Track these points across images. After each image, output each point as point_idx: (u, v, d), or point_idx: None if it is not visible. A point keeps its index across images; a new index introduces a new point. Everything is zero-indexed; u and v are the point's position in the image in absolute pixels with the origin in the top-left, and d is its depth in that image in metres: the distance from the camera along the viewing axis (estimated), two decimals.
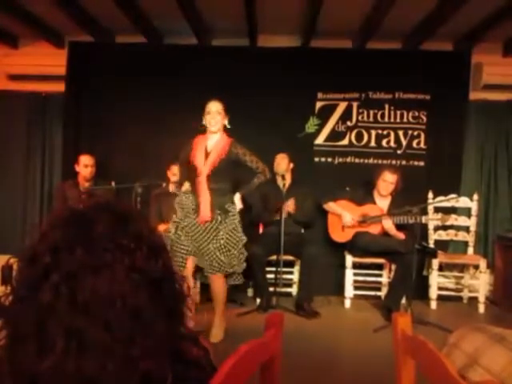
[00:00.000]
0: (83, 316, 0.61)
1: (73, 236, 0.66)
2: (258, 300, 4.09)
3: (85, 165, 4.38)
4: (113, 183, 4.54)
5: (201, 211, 3.18)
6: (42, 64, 4.77)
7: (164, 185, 4.39)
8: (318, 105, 4.78)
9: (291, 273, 4.40)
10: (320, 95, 4.78)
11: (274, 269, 4.17)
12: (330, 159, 4.78)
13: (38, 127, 4.99)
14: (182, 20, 4.26)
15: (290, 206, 4.15)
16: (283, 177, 4.16)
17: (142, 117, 4.75)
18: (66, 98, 4.83)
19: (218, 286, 3.22)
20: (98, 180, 4.47)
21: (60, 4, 3.94)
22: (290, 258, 4.23)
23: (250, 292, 4.43)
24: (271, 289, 4.04)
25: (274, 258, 4.11)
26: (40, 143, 5.00)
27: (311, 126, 4.79)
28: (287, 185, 4.20)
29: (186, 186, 3.31)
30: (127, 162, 4.74)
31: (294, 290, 4.41)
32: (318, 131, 4.78)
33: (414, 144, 4.76)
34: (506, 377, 0.81)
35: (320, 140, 4.77)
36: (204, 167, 3.20)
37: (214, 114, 3.26)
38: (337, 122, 4.79)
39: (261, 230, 4.49)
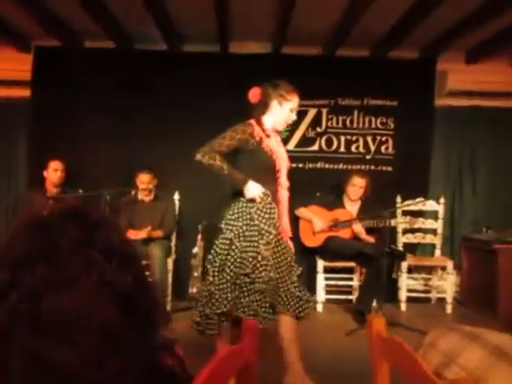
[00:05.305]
0: (46, 339, 0.56)
1: (35, 250, 0.61)
2: None
3: (54, 169, 4.27)
4: (80, 191, 4.44)
5: (283, 224, 2.55)
6: (6, 69, 4.64)
7: (133, 192, 4.33)
8: None
9: None
10: None
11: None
12: (300, 165, 4.81)
13: (1, 134, 4.82)
14: (153, 25, 4.22)
15: None
16: None
17: (110, 124, 4.66)
18: (32, 103, 4.70)
19: (292, 324, 2.49)
20: (65, 187, 4.36)
21: (25, 6, 3.84)
22: None
23: None
24: None
25: None
26: (3, 151, 4.83)
27: (282, 132, 4.80)
28: None
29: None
30: (94, 170, 4.64)
31: None
32: (289, 137, 4.82)
33: (383, 149, 4.85)
34: (481, 373, 0.83)
35: (291, 146, 4.80)
36: (284, 168, 2.58)
37: (295, 113, 2.59)
38: (307, 128, 4.83)
39: None
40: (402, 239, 4.65)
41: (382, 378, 1.04)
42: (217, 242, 2.47)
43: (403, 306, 4.32)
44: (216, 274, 2.42)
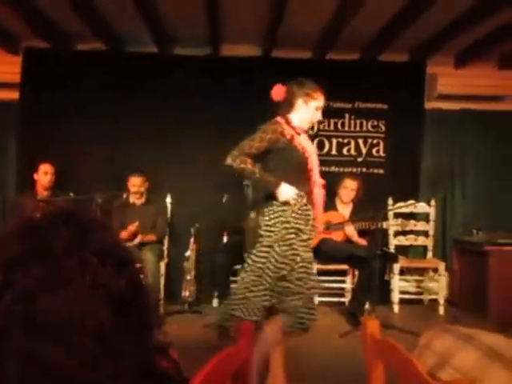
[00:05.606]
0: (40, 339, 0.56)
1: (29, 251, 0.60)
2: None
3: (44, 172, 4.23)
4: (71, 194, 4.40)
5: (318, 225, 2.49)
6: None
7: (125, 196, 4.30)
8: None
9: None
10: None
11: (239, 278, 4.15)
12: None
13: None
14: (144, 28, 4.21)
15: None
16: (247, 185, 4.15)
17: (101, 126, 4.64)
18: (21, 106, 4.66)
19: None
20: (56, 190, 4.32)
21: (15, 8, 3.81)
22: None
23: (215, 302, 4.38)
24: None
25: (239, 266, 4.09)
26: None
27: None
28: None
29: None
30: (85, 173, 4.60)
31: None
32: None
33: (374, 152, 4.88)
34: (476, 374, 0.83)
35: None
36: (316, 166, 2.49)
37: (320, 112, 2.49)
38: None
39: (225, 239, 4.47)
40: (394, 241, 4.68)
41: (377, 380, 1.04)
42: (254, 251, 2.36)
43: (396, 308, 4.34)
44: (253, 281, 2.31)
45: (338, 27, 4.12)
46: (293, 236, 2.30)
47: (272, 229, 2.32)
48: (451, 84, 4.76)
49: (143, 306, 0.68)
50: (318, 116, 2.50)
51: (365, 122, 4.89)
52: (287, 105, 2.46)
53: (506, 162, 4.91)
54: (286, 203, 2.31)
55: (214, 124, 4.62)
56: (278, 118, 2.45)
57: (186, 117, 4.67)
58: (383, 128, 4.88)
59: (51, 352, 0.56)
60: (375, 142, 4.89)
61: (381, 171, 4.87)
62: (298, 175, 2.38)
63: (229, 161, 2.38)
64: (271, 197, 2.35)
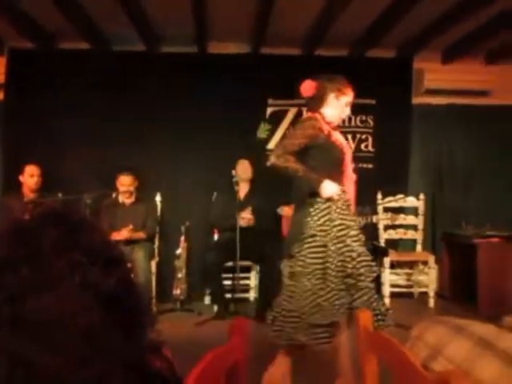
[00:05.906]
0: (29, 341, 0.55)
1: (17, 252, 0.60)
2: (216, 307, 4.05)
3: (30, 174, 4.16)
4: (59, 195, 4.35)
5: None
6: None
7: (114, 195, 4.27)
8: (269, 110, 4.83)
9: (248, 278, 4.40)
10: (270, 101, 4.84)
11: (231, 275, 4.16)
12: None
13: None
14: (130, 27, 4.17)
15: (244, 219, 4.10)
16: (237, 183, 4.15)
17: (88, 126, 4.58)
18: (5, 106, 4.60)
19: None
20: (43, 192, 4.26)
21: None
22: (247, 263, 4.22)
23: (207, 300, 4.38)
24: (228, 295, 4.02)
25: (231, 263, 4.09)
26: None
27: (262, 131, 4.83)
28: (243, 192, 4.22)
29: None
30: (73, 173, 4.54)
31: (251, 295, 4.41)
32: (270, 136, 4.83)
33: (363, 147, 4.91)
34: (468, 364, 0.84)
35: (272, 145, 4.81)
36: (350, 166, 2.49)
37: (349, 108, 2.48)
38: (288, 127, 4.85)
39: (216, 237, 4.46)
40: (384, 235, 4.71)
41: (371, 371, 1.05)
42: (304, 253, 2.28)
43: (387, 302, 4.37)
44: (318, 285, 2.24)
45: (326, 24, 4.13)
46: (343, 233, 2.28)
47: (323, 227, 2.27)
48: (438, 79, 4.80)
49: (134, 305, 0.68)
50: (347, 112, 2.49)
51: (353, 117, 4.91)
52: (318, 100, 2.42)
53: (492, 156, 4.96)
54: (329, 199, 2.29)
55: (204, 121, 4.61)
56: (315, 114, 2.41)
57: (174, 115, 4.64)
58: (371, 123, 4.90)
59: (37, 353, 0.55)
60: (364, 137, 4.91)
61: (370, 166, 4.90)
62: (337, 171, 2.38)
63: (272, 160, 2.37)
64: (315, 194, 2.31)
